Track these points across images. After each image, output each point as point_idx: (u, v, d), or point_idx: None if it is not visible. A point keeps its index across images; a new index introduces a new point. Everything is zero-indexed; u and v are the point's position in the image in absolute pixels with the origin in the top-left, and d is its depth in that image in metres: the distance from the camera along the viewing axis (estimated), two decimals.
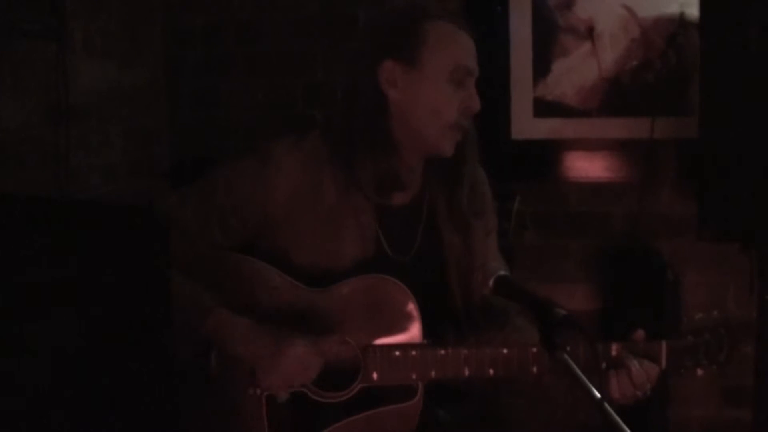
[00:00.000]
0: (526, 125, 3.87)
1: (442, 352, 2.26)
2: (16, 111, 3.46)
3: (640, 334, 2.27)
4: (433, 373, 2.26)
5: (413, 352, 2.26)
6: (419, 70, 2.30)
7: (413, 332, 2.29)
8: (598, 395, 1.89)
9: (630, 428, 1.85)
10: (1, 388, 1.67)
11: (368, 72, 2.32)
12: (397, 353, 2.26)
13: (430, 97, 2.31)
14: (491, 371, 2.26)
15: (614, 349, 2.25)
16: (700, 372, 2.29)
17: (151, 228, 1.75)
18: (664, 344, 2.26)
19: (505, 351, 2.26)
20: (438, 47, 2.30)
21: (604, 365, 2.19)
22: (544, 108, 3.86)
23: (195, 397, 2.31)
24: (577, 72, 3.82)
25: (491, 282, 2.15)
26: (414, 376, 2.27)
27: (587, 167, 3.82)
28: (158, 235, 1.75)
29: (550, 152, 3.86)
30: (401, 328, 2.29)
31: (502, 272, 2.16)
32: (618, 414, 1.86)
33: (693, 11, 3.56)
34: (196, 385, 2.30)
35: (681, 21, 3.65)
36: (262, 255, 2.35)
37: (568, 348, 2.02)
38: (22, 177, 3.44)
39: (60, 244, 1.72)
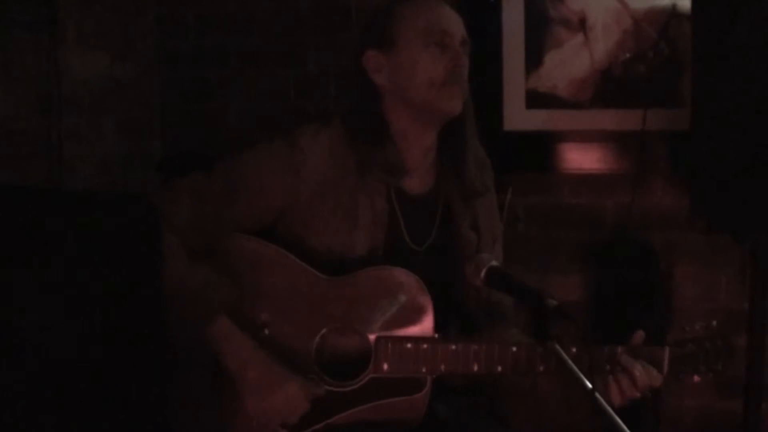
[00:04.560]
0: (518, 117, 3.87)
1: (453, 347, 2.28)
2: (8, 103, 3.45)
3: (640, 335, 2.30)
4: (442, 367, 2.28)
5: (424, 346, 2.28)
6: (397, 48, 2.37)
7: (425, 325, 2.30)
8: (590, 385, 1.89)
9: (622, 419, 1.86)
10: None
11: (356, 65, 2.41)
12: (409, 346, 2.28)
13: (412, 67, 2.36)
14: (499, 368, 2.28)
15: (619, 353, 2.26)
16: (696, 378, 2.34)
17: (145, 217, 1.75)
18: (667, 350, 2.29)
19: (514, 349, 2.27)
20: (410, 19, 2.38)
21: (607, 367, 2.21)
22: (536, 99, 3.86)
23: (198, 387, 2.32)
24: (569, 63, 3.82)
25: (483, 272, 2.17)
26: (424, 370, 2.28)
27: (580, 159, 3.83)
28: (151, 225, 1.75)
29: (542, 144, 3.86)
30: (413, 321, 2.30)
31: (494, 263, 2.18)
32: (609, 405, 1.88)
33: (685, 3, 3.56)
34: (199, 376, 2.31)
35: (673, 12, 3.65)
36: (279, 240, 2.37)
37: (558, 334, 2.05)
38: (15, 169, 3.44)
39: (53, 234, 1.72)
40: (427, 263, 2.40)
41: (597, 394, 1.88)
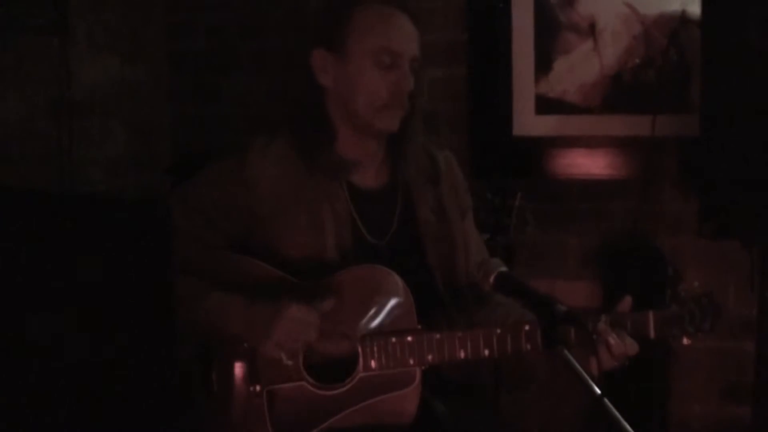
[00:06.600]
0: (527, 122, 3.87)
1: (438, 336, 2.29)
2: (19, 105, 3.47)
3: (627, 301, 2.33)
4: (430, 358, 2.29)
5: (409, 338, 2.29)
6: (346, 57, 2.39)
7: (408, 318, 2.31)
8: (598, 391, 1.90)
9: (630, 424, 1.86)
10: (1, 385, 1.68)
11: (303, 62, 2.44)
12: (394, 340, 2.29)
13: (357, 82, 2.38)
14: (486, 352, 2.29)
15: (602, 322, 2.28)
16: (686, 341, 2.37)
17: (153, 222, 1.76)
18: (651, 314, 2.33)
19: (498, 331, 2.29)
20: (362, 32, 2.38)
21: (594, 337, 2.23)
22: (545, 105, 3.86)
23: (195, 396, 2.33)
24: (578, 69, 3.82)
25: (492, 278, 2.17)
26: (412, 362, 2.29)
27: (588, 164, 3.83)
28: (160, 230, 1.76)
29: (551, 149, 3.87)
30: (396, 315, 2.31)
31: (502, 269, 2.18)
32: (618, 410, 1.88)
33: (694, 9, 3.56)
34: (197, 386, 2.32)
35: (682, 18, 3.65)
36: (254, 253, 2.38)
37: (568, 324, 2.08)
38: (25, 171, 3.45)
39: (62, 238, 1.72)
40: (392, 256, 2.41)
41: (606, 400, 1.88)
